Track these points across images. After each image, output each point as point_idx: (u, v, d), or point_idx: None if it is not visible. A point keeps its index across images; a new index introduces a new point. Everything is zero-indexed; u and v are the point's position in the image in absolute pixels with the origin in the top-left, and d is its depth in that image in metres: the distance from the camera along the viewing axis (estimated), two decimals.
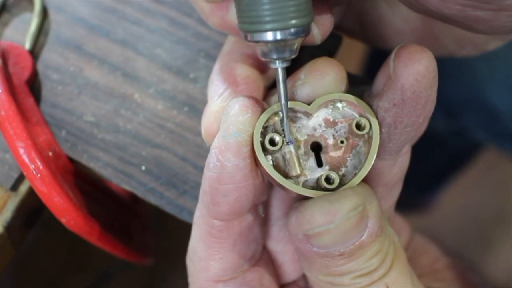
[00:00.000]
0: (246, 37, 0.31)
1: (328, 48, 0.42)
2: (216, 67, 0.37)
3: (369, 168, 0.32)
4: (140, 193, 0.42)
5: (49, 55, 0.44)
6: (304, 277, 0.39)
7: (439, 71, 0.32)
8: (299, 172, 0.32)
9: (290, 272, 0.39)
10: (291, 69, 0.33)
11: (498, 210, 1.27)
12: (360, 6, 0.40)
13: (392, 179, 0.36)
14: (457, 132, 0.79)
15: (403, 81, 0.31)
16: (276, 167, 0.32)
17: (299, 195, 0.32)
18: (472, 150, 0.98)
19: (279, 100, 0.32)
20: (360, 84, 0.35)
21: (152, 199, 0.42)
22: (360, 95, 0.33)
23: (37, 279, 1.05)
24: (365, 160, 0.32)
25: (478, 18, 0.31)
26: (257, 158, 0.32)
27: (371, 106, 0.32)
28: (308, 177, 0.32)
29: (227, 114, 0.32)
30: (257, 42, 0.31)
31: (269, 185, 0.35)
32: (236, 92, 0.35)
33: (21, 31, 0.45)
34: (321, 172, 0.32)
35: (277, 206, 0.37)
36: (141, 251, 0.48)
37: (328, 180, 0.32)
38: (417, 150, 0.39)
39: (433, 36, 0.40)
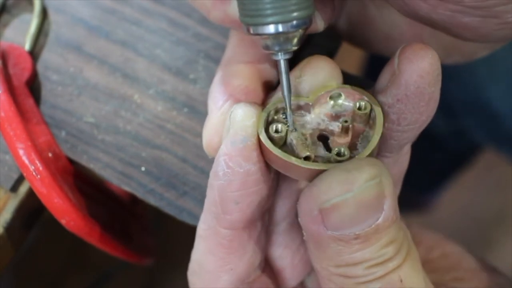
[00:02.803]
0: (248, 30, 0.31)
1: (328, 49, 0.43)
2: (216, 78, 0.37)
3: (378, 138, 0.31)
4: (140, 194, 0.42)
5: (49, 56, 0.44)
6: (302, 284, 0.39)
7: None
8: (308, 154, 0.32)
9: (289, 278, 0.38)
10: (292, 68, 0.33)
11: (498, 210, 1.27)
12: (349, 8, 0.40)
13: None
14: (457, 132, 0.79)
15: (407, 77, 0.31)
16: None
17: (311, 174, 0.31)
18: (472, 151, 0.98)
19: (282, 92, 0.32)
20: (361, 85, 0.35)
21: (152, 200, 0.42)
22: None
23: (37, 279, 1.05)
24: (373, 134, 0.32)
25: (466, 24, 0.31)
26: (263, 145, 0.31)
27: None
28: (319, 160, 0.32)
29: (233, 120, 0.32)
30: (259, 35, 0.31)
31: (273, 190, 0.35)
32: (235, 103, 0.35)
33: (21, 32, 0.45)
34: (332, 153, 0.32)
35: (277, 211, 0.37)
36: (141, 252, 0.48)
37: (339, 154, 0.31)
38: (417, 150, 0.39)
39: (421, 42, 0.40)
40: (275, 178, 0.34)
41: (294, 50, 0.32)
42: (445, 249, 0.42)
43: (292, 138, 0.32)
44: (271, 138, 0.32)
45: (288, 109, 0.32)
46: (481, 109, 0.70)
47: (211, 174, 0.32)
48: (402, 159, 0.36)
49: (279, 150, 0.31)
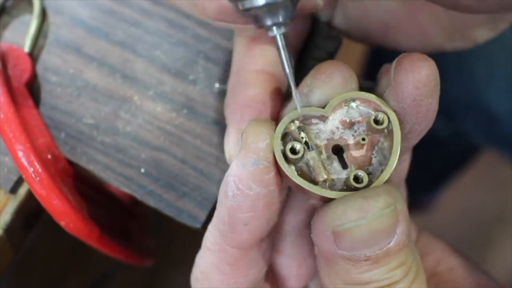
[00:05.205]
0: (238, 8, 0.31)
1: (328, 49, 0.42)
2: (230, 89, 0.37)
3: (395, 161, 0.31)
4: (139, 195, 0.42)
5: (48, 57, 0.44)
6: None
7: (439, 72, 0.32)
8: (325, 176, 0.31)
9: (292, 285, 0.38)
10: (297, 77, 0.32)
11: (498, 211, 1.27)
12: (344, 3, 0.40)
13: None
14: (457, 134, 0.79)
15: (403, 89, 0.31)
16: (301, 175, 0.31)
17: (329, 199, 0.31)
18: (472, 152, 0.98)
19: (283, 69, 0.31)
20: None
21: (151, 201, 0.41)
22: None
23: (37, 279, 1.05)
24: (390, 154, 0.31)
25: None
26: (281, 169, 0.31)
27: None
28: (335, 180, 0.32)
29: (244, 141, 0.31)
30: (249, 9, 0.30)
31: (283, 208, 0.34)
32: (254, 116, 0.34)
33: (20, 33, 0.45)
34: (347, 174, 0.32)
35: (287, 223, 0.36)
36: (140, 253, 0.48)
37: (356, 179, 0.31)
38: (417, 151, 0.39)
39: (420, 29, 0.39)
40: (285, 197, 0.33)
41: (287, 23, 0.31)
42: (452, 263, 0.41)
43: (309, 158, 0.31)
44: (285, 156, 0.31)
45: (293, 88, 0.31)
46: (480, 111, 0.70)
47: (221, 192, 0.31)
48: (401, 166, 0.36)
49: (298, 177, 0.31)
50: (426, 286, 0.33)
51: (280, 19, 0.31)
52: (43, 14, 0.45)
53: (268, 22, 0.31)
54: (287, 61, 0.31)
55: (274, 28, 0.31)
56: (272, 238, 0.36)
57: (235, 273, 0.34)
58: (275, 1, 0.30)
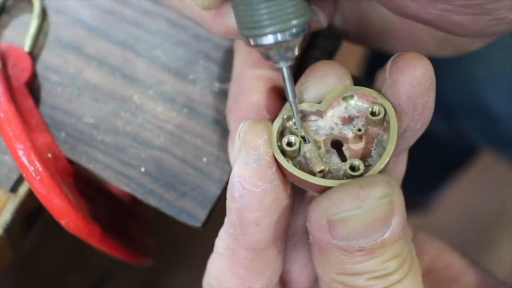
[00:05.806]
0: (248, 42, 0.31)
1: (328, 49, 0.43)
2: (232, 94, 0.37)
3: (392, 149, 0.31)
4: (139, 194, 0.42)
5: (49, 57, 0.44)
6: None
7: (439, 73, 0.32)
8: (323, 167, 0.31)
9: None
10: (297, 74, 0.33)
11: (498, 210, 1.27)
12: (343, 6, 0.40)
13: None
14: (456, 134, 0.79)
15: (399, 87, 0.31)
16: (300, 169, 0.31)
17: (325, 188, 0.31)
18: (471, 152, 0.98)
19: (288, 98, 0.32)
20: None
21: (151, 201, 0.41)
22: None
23: (37, 279, 1.05)
24: (387, 143, 0.31)
25: (457, 22, 0.31)
26: (278, 161, 0.31)
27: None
28: (333, 171, 0.32)
29: (243, 139, 0.31)
30: (259, 46, 0.31)
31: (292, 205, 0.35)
32: None
33: (20, 33, 0.45)
34: (345, 165, 0.32)
35: (288, 227, 0.36)
36: (141, 252, 0.48)
37: (353, 168, 0.31)
38: (416, 151, 0.39)
39: (415, 37, 0.40)
40: (293, 193, 0.33)
41: (295, 57, 0.32)
42: (448, 260, 0.42)
43: (306, 151, 0.32)
44: (284, 151, 0.31)
45: (296, 115, 0.32)
46: (480, 112, 0.70)
47: (228, 195, 0.31)
48: (398, 167, 0.36)
49: (294, 168, 0.31)
50: (421, 278, 0.33)
51: (288, 55, 0.32)
52: (43, 13, 0.45)
53: (277, 57, 0.32)
54: (291, 91, 0.32)
55: (282, 62, 0.32)
56: (285, 238, 0.35)
57: (250, 275, 0.34)
58: (284, 40, 0.31)
